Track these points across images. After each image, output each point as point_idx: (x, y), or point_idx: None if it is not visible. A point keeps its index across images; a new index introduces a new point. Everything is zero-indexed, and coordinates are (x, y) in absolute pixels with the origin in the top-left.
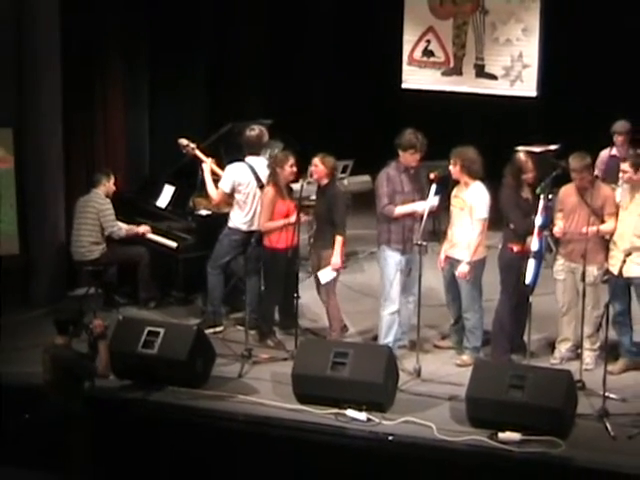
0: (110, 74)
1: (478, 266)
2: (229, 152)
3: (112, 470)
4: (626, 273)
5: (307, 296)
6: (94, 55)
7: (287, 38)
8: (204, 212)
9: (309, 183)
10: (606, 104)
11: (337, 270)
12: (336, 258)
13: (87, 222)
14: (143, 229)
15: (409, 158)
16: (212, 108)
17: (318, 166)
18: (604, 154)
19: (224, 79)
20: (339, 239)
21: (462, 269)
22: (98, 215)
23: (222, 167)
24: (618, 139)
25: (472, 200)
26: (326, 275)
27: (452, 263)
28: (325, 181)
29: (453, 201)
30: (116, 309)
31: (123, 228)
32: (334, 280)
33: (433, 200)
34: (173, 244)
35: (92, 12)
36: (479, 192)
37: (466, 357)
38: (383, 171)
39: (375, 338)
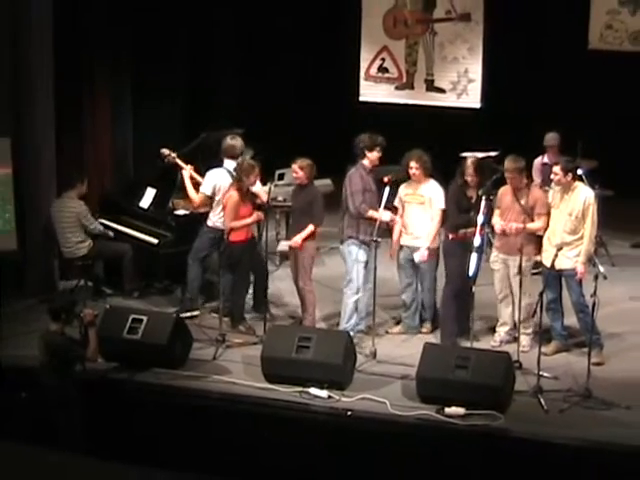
0: (97, 88)
1: (436, 252)
2: (205, 158)
3: (101, 443)
4: (558, 266)
5: (276, 286)
6: (83, 71)
7: (258, 57)
8: (182, 212)
9: (276, 186)
10: (542, 115)
11: (292, 247)
12: (298, 238)
13: (68, 224)
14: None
15: (375, 157)
16: (189, 118)
17: (299, 172)
18: (537, 162)
19: (200, 93)
20: (311, 227)
21: (422, 253)
22: (78, 217)
23: (200, 172)
24: (549, 150)
25: (431, 194)
26: (283, 245)
27: (411, 249)
28: (305, 182)
29: (409, 198)
30: (103, 299)
31: (100, 226)
32: (310, 268)
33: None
34: (154, 240)
35: (81, 32)
36: (436, 187)
37: (428, 326)
38: (354, 173)
39: (338, 324)
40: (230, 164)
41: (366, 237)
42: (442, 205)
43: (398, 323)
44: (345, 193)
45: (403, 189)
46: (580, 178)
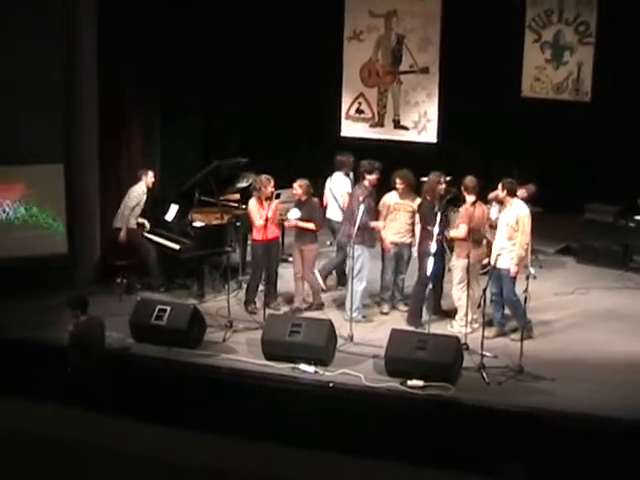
0: (132, 123)
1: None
2: (217, 183)
3: (131, 407)
4: (498, 265)
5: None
6: (121, 108)
7: (261, 101)
8: (199, 224)
9: None
10: (485, 148)
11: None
12: (295, 215)
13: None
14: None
15: (374, 178)
16: (205, 147)
17: (298, 190)
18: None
19: (214, 126)
20: (312, 225)
21: (416, 251)
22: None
23: (213, 193)
24: (523, 191)
25: (417, 205)
26: (293, 214)
27: (400, 246)
28: (304, 197)
29: (399, 206)
30: (136, 293)
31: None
32: (313, 264)
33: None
34: (176, 246)
35: (120, 75)
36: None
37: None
38: (358, 193)
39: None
40: (338, 175)
41: (368, 242)
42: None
43: (378, 304)
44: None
45: (394, 199)
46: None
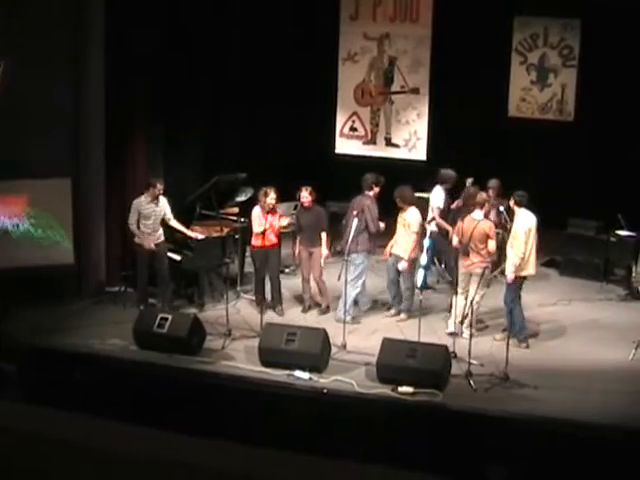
0: (137, 142)
1: (414, 260)
2: (217, 197)
3: (135, 410)
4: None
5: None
6: (126, 124)
7: (260, 120)
8: (199, 236)
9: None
10: (472, 165)
11: (326, 257)
12: (324, 250)
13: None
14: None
15: (378, 190)
16: (206, 163)
17: (307, 196)
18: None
19: (215, 143)
20: (324, 236)
21: (404, 265)
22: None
23: (212, 207)
24: (490, 191)
25: (409, 219)
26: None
27: (396, 258)
28: (311, 204)
29: (398, 219)
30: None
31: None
32: (322, 267)
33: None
34: (178, 257)
35: (126, 94)
36: (414, 214)
37: (403, 315)
38: (372, 204)
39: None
40: (438, 189)
41: (370, 249)
42: (416, 229)
43: (389, 309)
44: (362, 217)
45: (399, 214)
46: (501, 212)
